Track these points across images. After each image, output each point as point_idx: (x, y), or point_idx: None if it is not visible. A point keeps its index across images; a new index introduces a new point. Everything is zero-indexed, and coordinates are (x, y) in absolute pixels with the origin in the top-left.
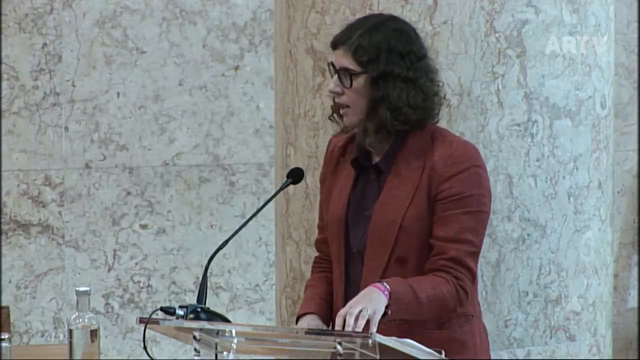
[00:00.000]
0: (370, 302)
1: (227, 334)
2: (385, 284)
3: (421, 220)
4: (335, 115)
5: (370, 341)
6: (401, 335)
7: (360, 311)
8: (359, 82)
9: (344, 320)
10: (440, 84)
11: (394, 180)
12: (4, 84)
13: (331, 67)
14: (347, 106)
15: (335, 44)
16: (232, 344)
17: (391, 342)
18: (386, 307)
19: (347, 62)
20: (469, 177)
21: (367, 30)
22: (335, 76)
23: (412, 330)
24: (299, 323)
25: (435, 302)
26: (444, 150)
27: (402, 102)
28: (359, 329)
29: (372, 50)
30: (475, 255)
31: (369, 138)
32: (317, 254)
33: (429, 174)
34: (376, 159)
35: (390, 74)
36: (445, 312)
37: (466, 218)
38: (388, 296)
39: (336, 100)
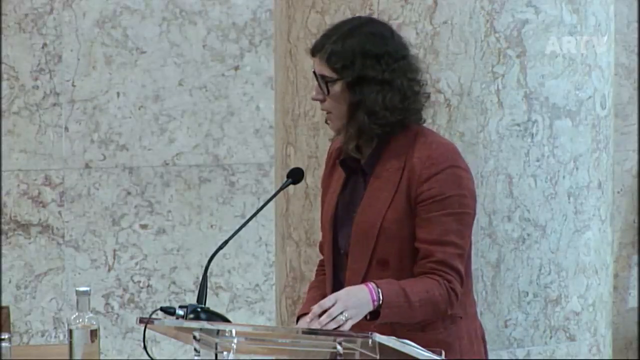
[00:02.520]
0: (353, 307)
1: (227, 334)
2: (378, 288)
3: (401, 222)
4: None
5: (370, 341)
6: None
7: (341, 313)
8: (336, 88)
9: (319, 314)
10: (424, 82)
11: (376, 182)
12: (4, 84)
13: (313, 75)
14: (330, 112)
15: (312, 52)
16: (232, 344)
17: (391, 342)
18: (378, 310)
19: (323, 69)
20: (447, 178)
21: (340, 37)
22: (316, 83)
23: (394, 332)
24: (299, 323)
25: (427, 306)
26: (423, 151)
27: (378, 105)
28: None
29: (346, 55)
30: (462, 257)
31: (351, 143)
32: (317, 254)
33: (408, 175)
34: (364, 161)
35: (365, 78)
36: (437, 315)
37: (448, 220)
38: (377, 301)
39: (320, 107)
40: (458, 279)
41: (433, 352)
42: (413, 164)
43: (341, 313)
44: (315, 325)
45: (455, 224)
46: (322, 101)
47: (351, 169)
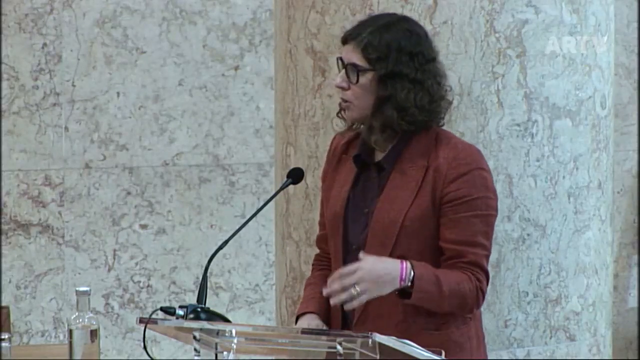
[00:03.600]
0: (372, 281)
1: (227, 334)
2: (412, 270)
3: (423, 220)
4: (341, 111)
5: (370, 341)
6: (398, 335)
7: (354, 285)
8: (366, 78)
9: (337, 280)
10: (448, 88)
11: (397, 178)
12: (4, 84)
13: (339, 62)
14: (350, 102)
15: (345, 39)
16: (232, 344)
17: (391, 342)
18: (409, 293)
19: (356, 57)
20: (474, 179)
21: (378, 28)
22: (343, 71)
23: (409, 330)
24: (299, 322)
25: (456, 297)
26: (449, 152)
27: (409, 102)
28: (337, 298)
29: (382, 48)
30: (488, 258)
31: (374, 136)
32: (317, 253)
33: (433, 174)
34: (379, 157)
35: (398, 73)
36: (463, 310)
37: (477, 221)
38: (405, 281)
39: (340, 95)
40: (486, 280)
41: (433, 352)
42: (439, 163)
43: (354, 286)
44: (326, 292)
45: (482, 225)
46: (346, 89)
47: (363, 164)
